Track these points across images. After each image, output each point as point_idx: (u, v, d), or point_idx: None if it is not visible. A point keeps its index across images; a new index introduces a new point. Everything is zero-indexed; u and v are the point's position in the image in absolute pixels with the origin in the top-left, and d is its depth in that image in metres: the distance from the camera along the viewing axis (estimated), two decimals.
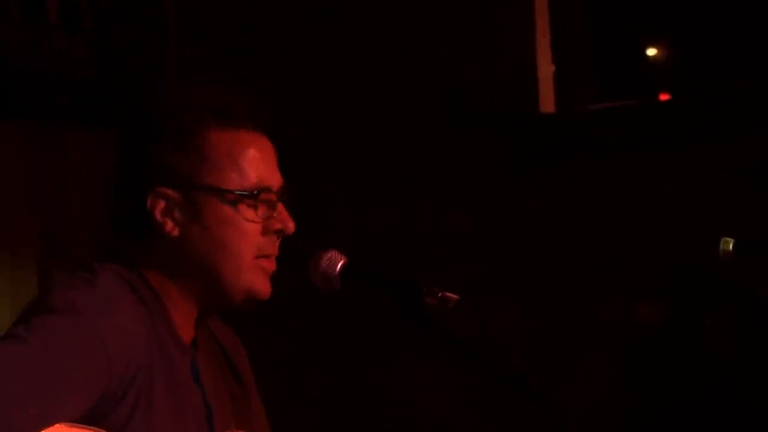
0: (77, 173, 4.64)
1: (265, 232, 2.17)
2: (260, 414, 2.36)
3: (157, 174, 2.13)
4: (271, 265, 2.19)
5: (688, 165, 4.12)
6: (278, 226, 2.18)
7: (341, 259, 2.20)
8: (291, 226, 2.19)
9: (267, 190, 2.17)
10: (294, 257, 2.25)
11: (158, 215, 2.14)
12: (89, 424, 1.99)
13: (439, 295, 2.10)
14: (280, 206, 2.20)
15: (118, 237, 2.19)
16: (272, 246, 2.18)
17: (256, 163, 2.17)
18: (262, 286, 2.18)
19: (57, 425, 1.92)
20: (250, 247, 2.15)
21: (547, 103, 4.36)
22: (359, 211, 4.43)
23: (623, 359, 4.15)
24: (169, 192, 2.13)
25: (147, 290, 2.14)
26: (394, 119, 4.45)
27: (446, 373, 4.05)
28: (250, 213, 2.15)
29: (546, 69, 4.37)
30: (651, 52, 4.66)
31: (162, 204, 2.13)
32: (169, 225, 2.14)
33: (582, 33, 4.46)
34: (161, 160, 2.14)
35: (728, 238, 2.59)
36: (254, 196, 2.15)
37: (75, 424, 1.96)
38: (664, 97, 4.50)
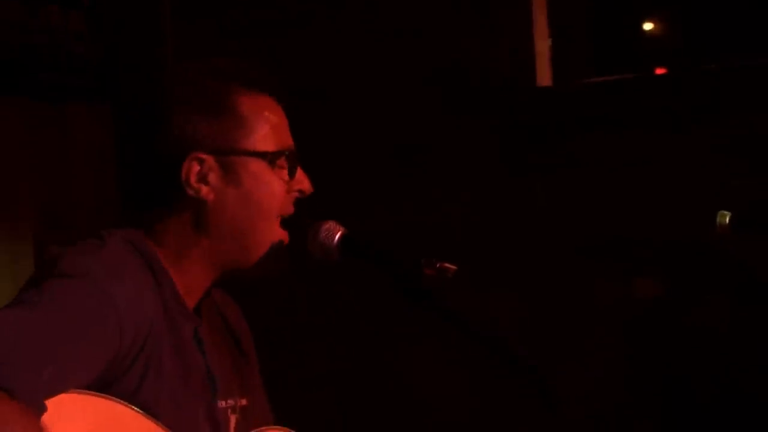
0: (76, 149, 4.64)
1: (289, 191, 2.23)
2: (259, 384, 2.38)
3: (191, 141, 2.16)
4: (285, 234, 2.24)
5: (685, 141, 4.12)
6: (299, 186, 2.24)
7: (339, 230, 2.22)
8: (309, 186, 2.26)
9: (291, 151, 2.22)
10: (293, 235, 2.27)
11: (193, 181, 2.16)
12: (99, 391, 2.01)
13: (437, 265, 2.11)
14: (299, 167, 2.26)
15: (135, 206, 2.22)
16: (291, 206, 2.25)
17: (280, 125, 2.24)
18: (284, 236, 2.23)
19: (69, 392, 1.94)
20: (279, 205, 2.22)
21: (544, 77, 4.36)
22: (355, 198, 4.42)
23: (622, 338, 4.16)
24: (204, 157, 2.16)
25: (154, 256, 2.16)
26: (391, 97, 4.45)
27: (448, 352, 4.06)
28: (282, 173, 2.21)
29: (543, 43, 4.37)
30: (648, 26, 4.66)
31: (197, 169, 2.16)
32: (204, 190, 2.16)
33: (579, 7, 4.46)
34: (195, 127, 2.16)
35: (725, 212, 2.58)
36: (285, 156, 2.21)
37: (86, 391, 1.97)
38: (660, 71, 4.50)
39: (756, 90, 4.06)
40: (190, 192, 2.17)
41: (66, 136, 4.63)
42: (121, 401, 2.03)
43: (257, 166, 2.19)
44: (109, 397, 2.01)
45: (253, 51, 4.58)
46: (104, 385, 2.02)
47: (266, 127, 2.22)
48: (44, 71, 4.50)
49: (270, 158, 2.20)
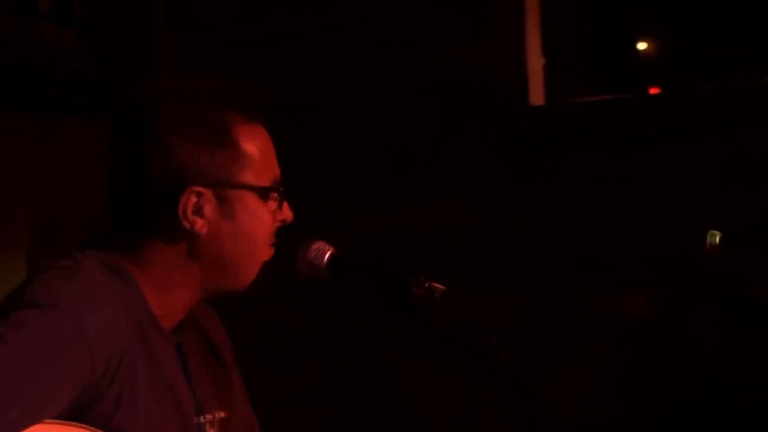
0: (69, 162, 4.65)
1: (275, 221, 2.23)
2: (241, 395, 2.37)
3: (191, 173, 2.13)
4: (272, 252, 2.25)
5: (678, 159, 4.13)
6: (283, 216, 2.24)
7: (329, 250, 2.23)
8: (291, 215, 2.25)
9: (281, 184, 2.23)
10: (284, 249, 2.28)
11: (189, 213, 2.15)
12: (73, 417, 1.99)
13: (426, 285, 2.12)
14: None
15: (118, 227, 2.19)
16: (274, 235, 2.24)
17: (271, 155, 2.23)
18: (270, 254, 2.25)
19: (44, 426, 1.92)
20: (267, 237, 2.21)
21: (537, 95, 4.37)
22: (350, 205, 4.43)
23: (613, 353, 4.16)
24: (203, 190, 2.14)
25: (131, 279, 2.14)
26: (385, 113, 4.46)
27: (439, 365, 4.06)
28: (271, 205, 2.21)
29: (536, 62, 4.38)
30: (641, 45, 4.67)
31: (193, 201, 2.14)
32: (199, 223, 2.15)
33: (572, 26, 4.46)
34: (195, 159, 2.14)
35: (715, 232, 2.59)
36: (277, 189, 2.21)
37: (56, 420, 1.95)
38: (653, 91, 4.50)
39: (748, 109, 4.07)
40: (186, 224, 2.15)
41: (59, 149, 4.64)
42: (94, 429, 2.01)
43: (252, 200, 2.19)
44: (81, 425, 1.99)
45: (246, 64, 4.59)
46: (77, 411, 2.00)
47: (261, 159, 2.21)
48: (38, 85, 4.50)
49: (263, 193, 2.20)
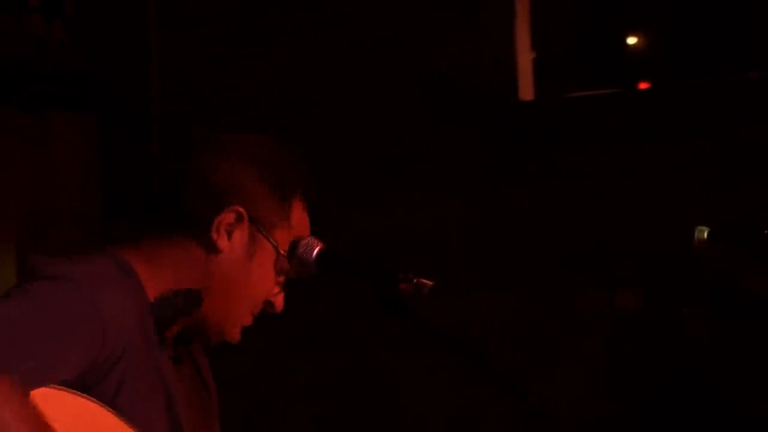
0: (59, 157, 4.64)
1: (269, 292, 2.28)
2: (216, 417, 2.41)
3: (244, 196, 2.21)
4: (250, 322, 2.29)
5: (667, 154, 4.14)
6: (273, 299, 2.29)
7: (318, 245, 2.23)
8: (281, 307, 2.31)
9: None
10: None
11: (222, 227, 2.21)
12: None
13: (414, 281, 2.12)
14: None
15: (143, 221, 2.24)
16: (257, 312, 2.29)
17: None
18: (238, 335, 2.28)
19: (52, 390, 1.96)
20: (257, 302, 2.26)
21: (527, 91, 4.37)
22: (342, 202, 4.42)
23: (603, 349, 4.16)
24: (244, 216, 2.21)
25: (138, 284, 2.17)
26: (375, 110, 4.46)
27: (433, 364, 4.08)
28: (278, 280, 2.27)
29: (526, 57, 4.38)
30: (631, 40, 4.67)
31: (231, 219, 2.21)
32: (224, 240, 2.21)
33: (562, 21, 4.46)
34: (255, 189, 2.23)
35: (703, 227, 2.59)
36: (291, 275, 2.28)
37: (63, 388, 1.99)
38: (643, 86, 4.51)
39: (737, 104, 4.08)
40: (213, 234, 2.20)
41: (49, 145, 4.63)
42: (99, 402, 2.05)
43: (270, 258, 2.24)
44: (87, 396, 2.03)
45: (236, 61, 4.59)
46: (84, 388, 2.04)
47: (296, 236, 2.27)
48: (27, 80, 4.49)
49: (282, 262, 2.25)
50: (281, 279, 2.26)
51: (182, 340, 2.28)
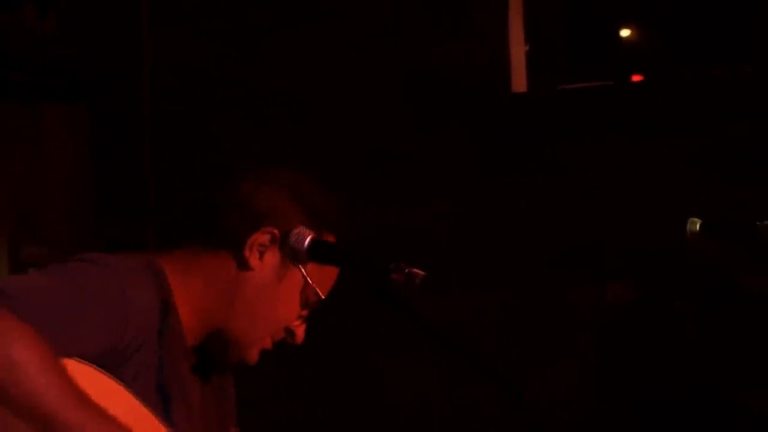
0: (51, 150, 4.64)
1: (291, 320, 2.32)
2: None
3: (284, 220, 2.26)
4: (268, 345, 2.33)
5: (659, 147, 4.14)
6: (294, 329, 2.33)
7: (309, 234, 2.23)
8: (300, 340, 2.35)
9: (318, 305, 2.33)
10: None
11: (254, 246, 2.26)
12: None
13: (406, 270, 2.12)
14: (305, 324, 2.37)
15: (177, 237, 2.31)
16: (277, 338, 2.33)
17: (330, 281, 2.34)
18: (255, 356, 2.33)
19: (71, 361, 2.01)
20: (279, 326, 2.31)
21: (520, 83, 4.37)
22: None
23: (594, 343, 4.17)
24: (277, 237, 2.25)
25: (168, 290, 2.23)
26: (366, 105, 4.45)
27: (426, 366, 4.08)
28: (301, 313, 2.32)
29: (518, 49, 4.38)
30: (624, 33, 4.67)
31: (265, 239, 2.25)
32: (255, 258, 2.26)
33: (555, 14, 4.46)
34: (293, 218, 2.27)
35: (695, 219, 2.59)
36: (315, 305, 2.32)
37: (81, 360, 2.04)
38: (636, 78, 4.51)
39: (730, 97, 4.08)
40: (246, 251, 2.25)
41: (41, 137, 4.62)
42: (115, 378, 2.09)
43: (298, 286, 2.29)
44: (111, 376, 2.08)
45: (228, 54, 4.58)
46: (104, 369, 2.09)
47: (324, 274, 2.31)
48: (19, 72, 4.49)
49: (309, 292, 2.29)
50: (305, 312, 2.31)
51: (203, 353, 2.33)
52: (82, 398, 1.96)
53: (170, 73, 4.69)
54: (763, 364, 3.93)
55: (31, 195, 4.58)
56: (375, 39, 4.45)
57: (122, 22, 4.72)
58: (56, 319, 2.01)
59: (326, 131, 4.48)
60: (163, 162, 4.65)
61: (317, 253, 2.23)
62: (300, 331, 2.33)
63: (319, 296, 2.29)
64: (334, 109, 4.49)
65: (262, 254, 2.25)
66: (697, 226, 2.58)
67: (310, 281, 2.26)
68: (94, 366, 2.06)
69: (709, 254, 3.83)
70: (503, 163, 4.29)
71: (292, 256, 2.24)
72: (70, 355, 2.02)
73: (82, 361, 2.03)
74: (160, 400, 2.20)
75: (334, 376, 4.43)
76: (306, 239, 2.22)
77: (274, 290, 2.27)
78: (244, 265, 2.25)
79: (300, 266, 2.25)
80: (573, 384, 4.15)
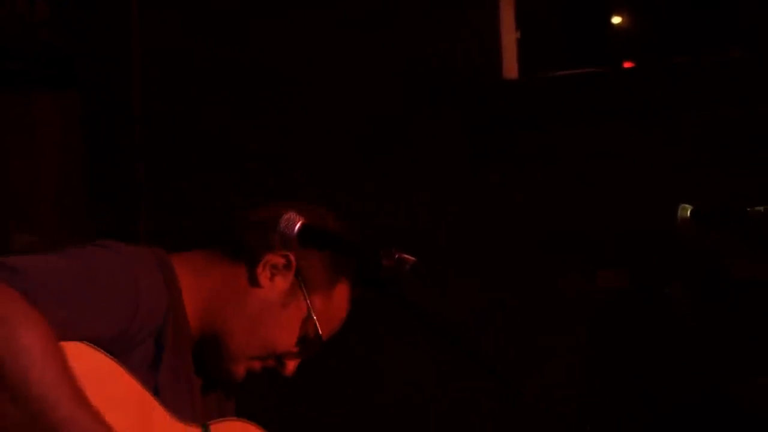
0: (41, 136, 4.63)
1: (288, 350, 2.33)
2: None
3: (297, 245, 2.23)
4: (255, 367, 2.35)
5: (651, 134, 4.14)
6: (286, 360, 2.34)
7: (300, 220, 2.22)
8: (291, 372, 2.37)
9: (322, 342, 2.34)
10: None
11: (268, 265, 2.28)
12: None
13: (396, 256, 2.11)
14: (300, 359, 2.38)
15: (194, 243, 2.34)
16: (268, 365, 2.35)
17: (337, 322, 2.36)
18: (242, 373, 2.35)
19: (82, 344, 2.04)
20: (273, 350, 2.32)
21: (511, 70, 4.36)
22: (323, 184, 4.41)
23: (585, 330, 4.17)
24: (293, 264, 2.28)
25: (176, 286, 2.26)
26: (357, 89, 4.45)
27: (421, 361, 4.08)
28: (297, 348, 2.33)
29: (509, 36, 4.37)
30: (616, 20, 4.67)
31: (279, 262, 2.28)
32: (266, 277, 2.29)
33: (546, 0, 4.47)
34: (309, 253, 2.27)
35: (686, 205, 2.59)
36: (318, 342, 2.33)
37: (88, 343, 2.06)
38: (628, 65, 4.51)
39: (722, 84, 4.08)
40: (258, 269, 2.28)
41: (32, 124, 4.62)
42: (120, 362, 2.11)
43: (301, 317, 2.30)
44: (120, 363, 2.10)
45: (219, 38, 4.58)
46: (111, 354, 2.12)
47: (332, 312, 2.34)
48: (9, 59, 4.48)
49: (309, 326, 2.31)
50: (301, 349, 2.32)
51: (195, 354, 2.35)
52: (76, 390, 1.97)
53: (161, 60, 4.68)
54: (754, 350, 3.94)
55: (21, 183, 4.57)
56: (366, 26, 4.44)
57: (112, 9, 4.71)
58: (72, 303, 2.04)
59: (318, 118, 4.48)
60: (154, 148, 4.64)
61: (307, 239, 2.21)
62: (291, 365, 2.34)
63: (318, 333, 2.30)
64: (325, 97, 4.48)
65: (273, 276, 2.28)
66: (688, 212, 2.57)
67: (312, 314, 2.28)
68: (104, 351, 2.08)
69: (700, 240, 3.83)
70: (495, 150, 4.29)
71: (282, 242, 2.23)
72: (82, 338, 2.05)
73: (93, 345, 2.06)
74: (163, 390, 2.21)
75: (333, 376, 4.43)
76: (296, 224, 2.20)
77: (276, 314, 2.29)
78: (254, 281, 2.28)
79: (307, 299, 2.27)
80: (564, 370, 4.15)
